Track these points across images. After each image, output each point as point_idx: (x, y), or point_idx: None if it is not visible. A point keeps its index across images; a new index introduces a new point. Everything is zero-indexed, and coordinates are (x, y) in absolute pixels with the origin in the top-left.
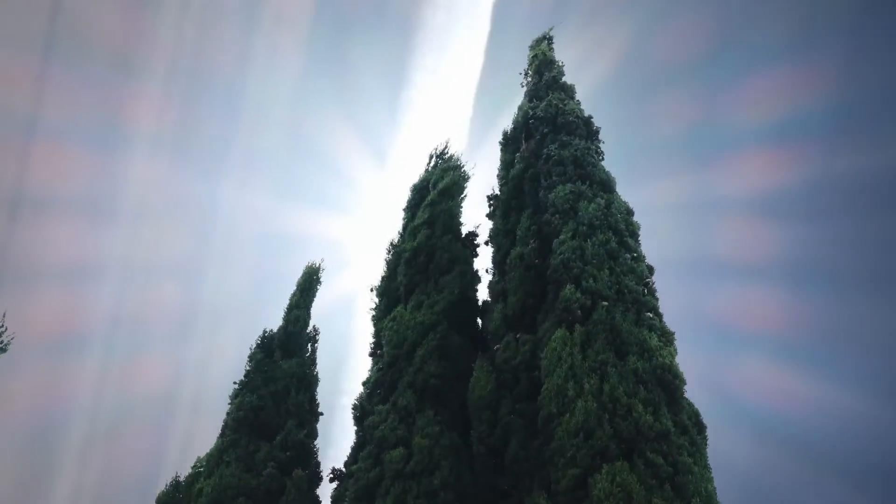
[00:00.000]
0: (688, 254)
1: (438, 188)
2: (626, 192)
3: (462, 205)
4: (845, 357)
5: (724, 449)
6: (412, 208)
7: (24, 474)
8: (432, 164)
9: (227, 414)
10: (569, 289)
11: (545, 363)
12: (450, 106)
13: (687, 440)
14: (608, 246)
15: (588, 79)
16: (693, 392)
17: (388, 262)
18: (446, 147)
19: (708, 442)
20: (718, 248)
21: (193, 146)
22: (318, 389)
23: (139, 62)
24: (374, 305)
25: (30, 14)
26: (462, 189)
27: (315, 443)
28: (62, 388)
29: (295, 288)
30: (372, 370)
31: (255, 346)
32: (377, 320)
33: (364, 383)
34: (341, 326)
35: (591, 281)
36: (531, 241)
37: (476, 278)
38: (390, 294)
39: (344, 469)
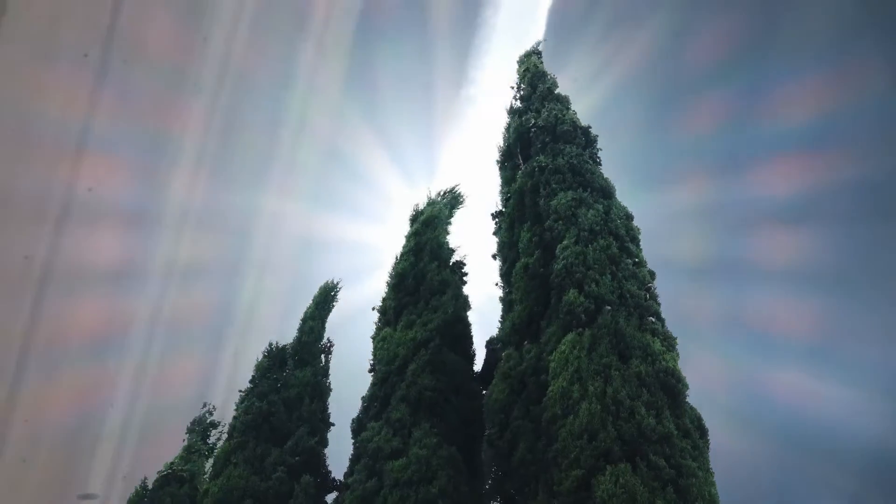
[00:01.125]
0: (718, 257)
1: (421, 220)
2: (655, 193)
3: (447, 235)
4: (872, 360)
5: (750, 449)
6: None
7: (61, 474)
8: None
9: (234, 418)
10: (572, 293)
11: (553, 365)
12: (498, 114)
13: (689, 444)
14: (609, 251)
15: (616, 78)
16: (721, 393)
17: (388, 285)
18: (453, 189)
19: (710, 445)
20: (750, 251)
21: (236, 156)
22: (342, 396)
23: (188, 76)
24: (376, 325)
25: (87, 31)
26: (444, 221)
27: (325, 451)
28: (104, 388)
29: (311, 302)
30: (369, 387)
31: (262, 356)
32: (374, 339)
33: (363, 399)
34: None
35: (593, 285)
36: (534, 251)
37: (467, 304)
38: (387, 314)
39: (343, 480)
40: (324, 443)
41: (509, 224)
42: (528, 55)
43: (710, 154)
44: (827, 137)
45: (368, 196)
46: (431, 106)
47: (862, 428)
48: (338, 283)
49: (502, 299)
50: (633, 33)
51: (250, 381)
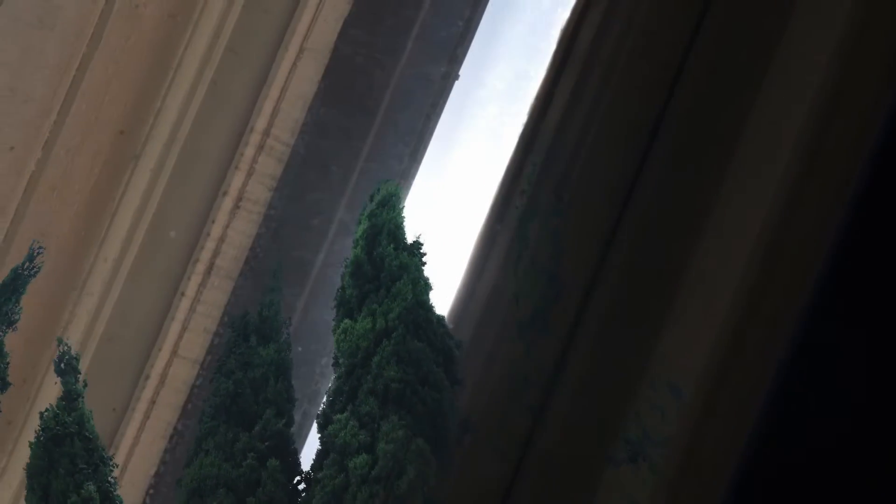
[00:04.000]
0: None
1: (376, 200)
2: None
3: (404, 216)
4: None
5: None
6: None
7: None
8: None
9: (205, 401)
10: None
11: None
12: None
13: None
14: None
15: None
16: None
17: (346, 273)
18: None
19: None
20: None
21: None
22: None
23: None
24: (334, 320)
25: None
26: (400, 199)
27: (292, 430)
28: None
29: (272, 273)
30: (332, 380)
31: (229, 328)
32: (335, 332)
33: (327, 393)
34: None
35: None
36: None
37: (428, 286)
38: (345, 305)
39: (311, 473)
40: (291, 423)
41: None
42: None
43: None
44: None
45: None
46: None
47: None
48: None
49: None
50: None
51: (219, 360)
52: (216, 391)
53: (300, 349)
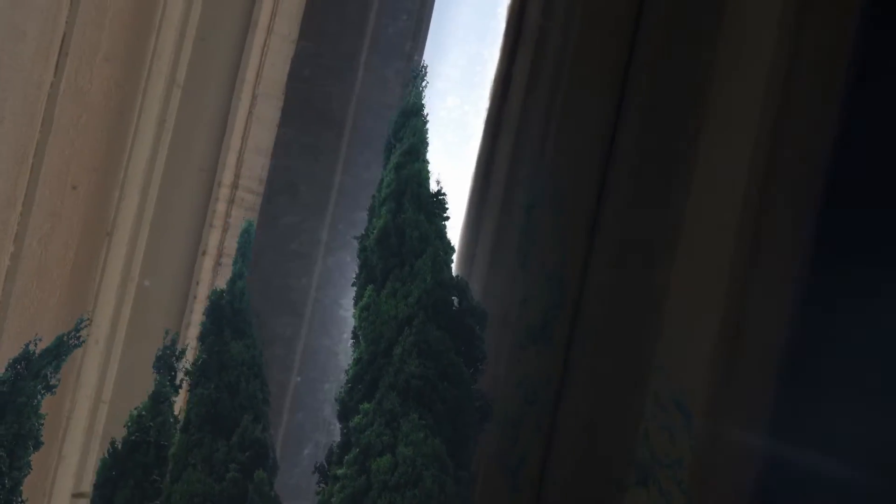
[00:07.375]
0: None
1: (403, 147)
2: None
3: (429, 163)
4: None
5: None
6: (388, 153)
7: None
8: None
9: (188, 410)
10: None
11: None
12: None
13: None
14: None
15: None
16: None
17: (372, 236)
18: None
19: None
20: None
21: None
22: None
23: None
24: (356, 276)
25: None
26: (427, 143)
27: (270, 434)
28: None
29: (235, 254)
30: (352, 360)
31: (203, 319)
32: (356, 301)
33: (347, 371)
34: None
35: None
36: None
37: (448, 257)
38: (369, 270)
39: (325, 464)
40: (268, 426)
41: None
42: None
43: None
44: None
45: None
46: None
47: None
48: (253, 222)
49: None
50: None
51: (197, 359)
52: (200, 399)
53: (299, 379)
